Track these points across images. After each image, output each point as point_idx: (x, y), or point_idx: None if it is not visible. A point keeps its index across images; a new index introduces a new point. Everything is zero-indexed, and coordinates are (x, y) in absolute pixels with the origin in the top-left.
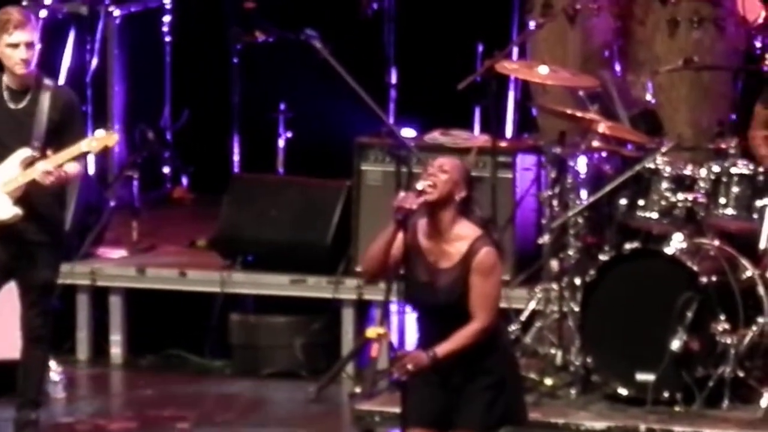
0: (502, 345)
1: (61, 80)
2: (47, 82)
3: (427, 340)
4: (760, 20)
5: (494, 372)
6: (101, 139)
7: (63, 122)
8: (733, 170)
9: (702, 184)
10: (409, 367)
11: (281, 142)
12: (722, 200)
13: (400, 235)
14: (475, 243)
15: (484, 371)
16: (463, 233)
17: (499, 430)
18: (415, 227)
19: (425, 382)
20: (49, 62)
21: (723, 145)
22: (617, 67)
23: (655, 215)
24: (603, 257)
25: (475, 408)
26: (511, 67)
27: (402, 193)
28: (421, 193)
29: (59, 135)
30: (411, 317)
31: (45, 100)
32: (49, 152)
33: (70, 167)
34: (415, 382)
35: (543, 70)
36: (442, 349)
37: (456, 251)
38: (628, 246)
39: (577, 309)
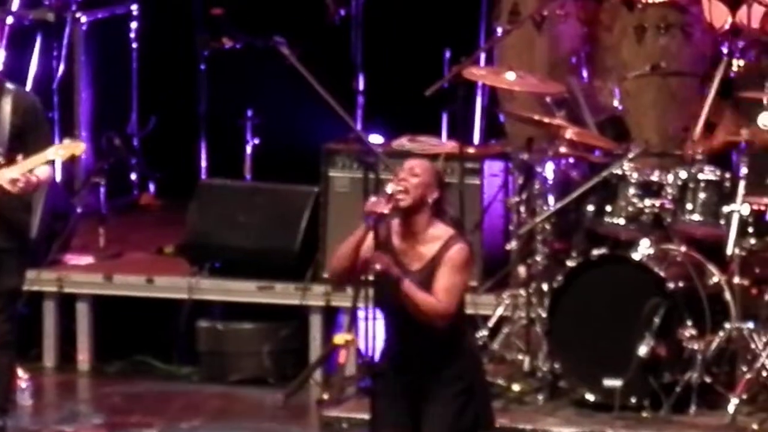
0: (470, 351)
1: (28, 87)
2: (9, 86)
3: (394, 342)
4: (727, 26)
5: (463, 378)
6: (68, 147)
7: (26, 127)
8: (700, 176)
9: (669, 190)
10: (378, 265)
11: (249, 149)
12: (689, 206)
13: (370, 238)
14: (448, 241)
15: (452, 377)
16: (438, 234)
17: None
18: (389, 228)
19: (394, 390)
20: (15, 69)
21: (690, 151)
22: (584, 74)
23: (622, 221)
24: (570, 263)
25: (445, 415)
26: (479, 73)
27: (373, 198)
28: (391, 197)
29: (23, 140)
30: (379, 323)
31: (6, 105)
32: (19, 158)
33: (40, 171)
34: (384, 389)
35: (510, 76)
36: (409, 285)
37: (429, 252)
38: (595, 252)
39: (544, 315)
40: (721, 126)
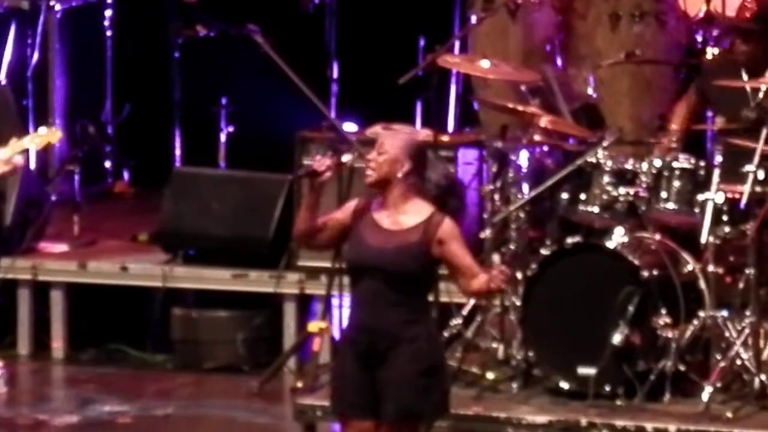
0: (433, 331)
1: (2, 75)
2: None
3: (361, 315)
4: (701, 14)
5: (427, 358)
6: (44, 136)
7: None
8: (675, 164)
9: (643, 178)
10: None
11: (223, 137)
12: (664, 194)
13: (349, 208)
14: (433, 216)
15: (415, 357)
16: (417, 208)
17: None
18: (369, 202)
19: (354, 372)
20: None
21: (664, 140)
22: (559, 61)
23: (596, 209)
24: (544, 251)
25: (409, 394)
26: (453, 60)
27: (322, 158)
28: (339, 165)
29: None
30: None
31: None
32: None
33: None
34: (344, 368)
35: (485, 64)
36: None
37: (411, 221)
38: (569, 240)
39: (518, 303)
40: (676, 112)
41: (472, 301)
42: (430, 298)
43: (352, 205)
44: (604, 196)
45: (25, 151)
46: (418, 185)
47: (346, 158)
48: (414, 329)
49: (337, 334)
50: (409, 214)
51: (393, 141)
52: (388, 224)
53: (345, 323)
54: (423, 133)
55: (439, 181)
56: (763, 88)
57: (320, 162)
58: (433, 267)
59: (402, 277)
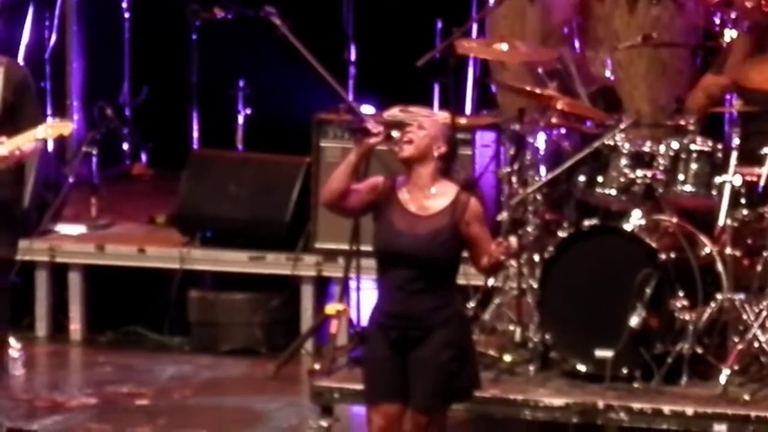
0: (459, 316)
1: (20, 57)
2: (0, 58)
3: (391, 301)
4: None
5: (453, 345)
6: (56, 127)
7: (17, 101)
8: (692, 147)
9: (661, 160)
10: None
11: (240, 119)
12: (681, 177)
13: (377, 182)
14: (459, 196)
15: (443, 343)
16: (444, 190)
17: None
18: (394, 180)
19: (386, 357)
20: (7, 39)
21: (682, 122)
22: (576, 44)
23: (613, 192)
24: (562, 234)
25: (437, 382)
26: (470, 45)
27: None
28: (390, 136)
29: (13, 114)
30: (370, 293)
31: None
32: (2, 139)
33: (25, 145)
34: (373, 354)
35: (502, 47)
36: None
37: (438, 204)
38: (586, 223)
39: (535, 286)
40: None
41: (489, 284)
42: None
43: (377, 182)
44: (622, 179)
45: (39, 141)
46: (447, 170)
47: (395, 133)
48: (445, 313)
49: (354, 317)
50: (436, 197)
51: (433, 122)
52: (416, 208)
53: (373, 308)
54: (441, 116)
55: (462, 176)
56: None
57: (373, 124)
58: (462, 249)
59: (434, 264)
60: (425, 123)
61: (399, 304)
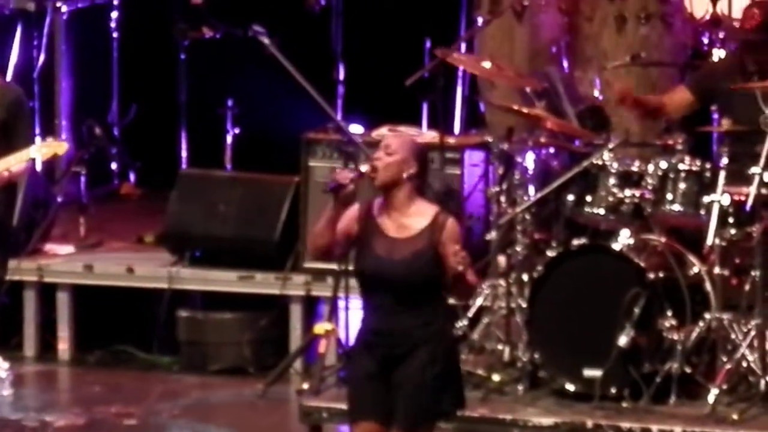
0: (447, 334)
1: (9, 76)
2: None
3: (375, 321)
4: (707, 16)
5: (438, 362)
6: (51, 146)
7: (10, 120)
8: (681, 166)
9: (649, 179)
10: (461, 267)
11: (229, 138)
12: (669, 196)
13: (352, 216)
14: (437, 217)
15: (428, 361)
16: (421, 210)
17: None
18: (371, 205)
19: (370, 375)
20: None
21: (670, 141)
22: (565, 63)
23: (602, 211)
24: (550, 253)
25: (421, 400)
26: (459, 58)
27: (344, 170)
28: (362, 175)
29: (7, 133)
30: (357, 313)
31: None
32: None
33: (17, 165)
34: (358, 373)
35: (487, 65)
36: (472, 276)
37: (416, 226)
38: (575, 242)
39: (524, 305)
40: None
41: (478, 303)
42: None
43: (354, 212)
44: (610, 198)
45: (31, 161)
46: (422, 187)
47: (364, 168)
48: (428, 331)
49: (343, 336)
50: (414, 217)
51: (401, 141)
52: (394, 231)
53: (358, 328)
54: (429, 135)
55: (439, 186)
56: None
57: (343, 175)
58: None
59: (414, 286)
60: (392, 146)
61: (382, 322)
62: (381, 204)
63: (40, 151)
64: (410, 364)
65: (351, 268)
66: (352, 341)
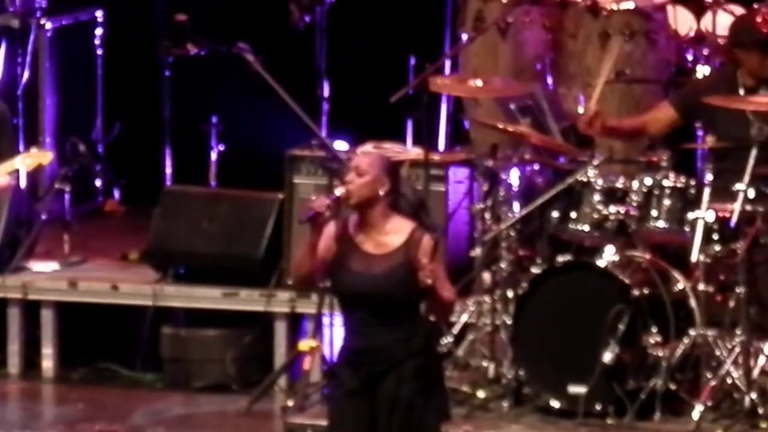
0: (430, 349)
1: None
2: None
3: (355, 339)
4: (691, 33)
5: (422, 377)
6: (35, 156)
7: None
8: (665, 183)
9: (634, 196)
10: (429, 280)
11: (213, 155)
12: (654, 213)
13: (329, 235)
14: (413, 233)
15: (412, 376)
16: (397, 227)
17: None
18: (346, 223)
19: (350, 390)
20: None
21: (655, 158)
22: (549, 80)
23: (587, 228)
24: (535, 270)
25: (404, 413)
26: (443, 82)
27: (319, 197)
28: (337, 200)
29: None
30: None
31: None
32: None
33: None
34: (340, 390)
35: (476, 83)
36: (448, 295)
37: (392, 242)
38: (560, 259)
39: (509, 322)
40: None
41: (463, 320)
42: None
43: (330, 231)
44: (595, 215)
45: (16, 172)
46: (396, 202)
47: (339, 192)
48: (409, 346)
49: (327, 353)
50: (390, 234)
51: (370, 160)
52: (371, 247)
53: (340, 345)
54: (414, 152)
55: (411, 197)
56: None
57: (319, 203)
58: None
59: (392, 302)
60: (361, 166)
61: (362, 340)
62: (356, 221)
63: (24, 162)
64: (392, 381)
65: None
66: (335, 358)
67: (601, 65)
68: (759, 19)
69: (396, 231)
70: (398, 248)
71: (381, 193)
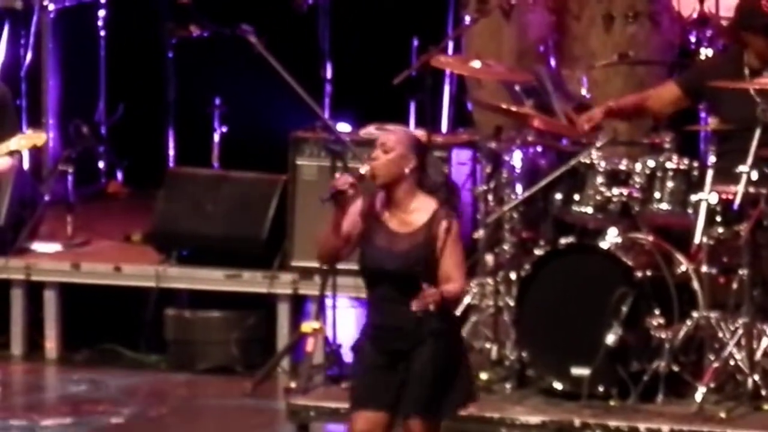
0: (452, 328)
1: None
2: None
3: (379, 315)
4: (695, 15)
5: (448, 354)
6: (30, 138)
7: None
8: (668, 165)
9: (637, 178)
10: (431, 300)
11: (216, 137)
12: (657, 195)
13: (356, 212)
14: (437, 213)
15: (437, 355)
16: (422, 206)
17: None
18: (373, 199)
19: (374, 365)
20: None
21: (658, 140)
22: (552, 62)
23: (590, 210)
24: (538, 252)
25: (428, 392)
26: (446, 60)
27: (343, 175)
28: (361, 177)
29: None
30: (345, 311)
31: None
32: None
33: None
34: (363, 364)
35: (477, 64)
36: (448, 292)
37: (416, 220)
38: (563, 241)
39: (512, 304)
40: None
41: (466, 301)
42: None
43: (357, 208)
44: (598, 197)
45: (12, 153)
46: (422, 180)
47: (364, 170)
48: (432, 325)
49: (330, 335)
50: (415, 213)
51: (397, 137)
52: (396, 225)
53: (364, 323)
54: (417, 134)
55: (438, 178)
56: None
57: (341, 181)
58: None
59: (415, 280)
60: (388, 143)
61: (386, 317)
62: (383, 199)
63: (19, 143)
64: (415, 359)
65: (339, 267)
66: (340, 340)
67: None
68: (765, 2)
69: (420, 209)
70: (421, 227)
71: (407, 170)
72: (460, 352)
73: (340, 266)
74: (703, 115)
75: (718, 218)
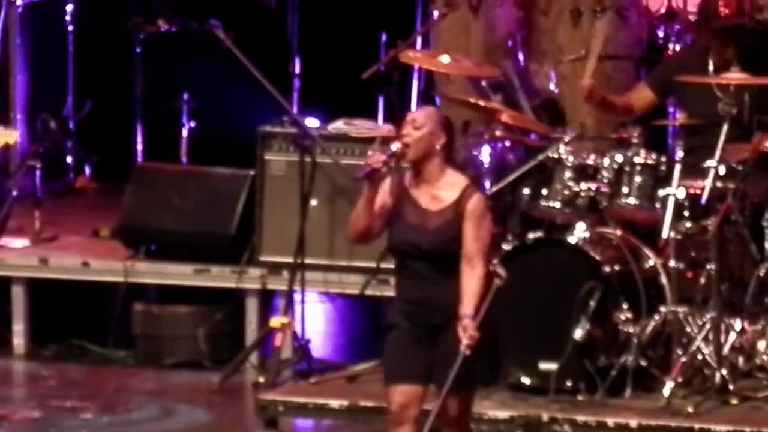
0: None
1: None
2: None
3: (412, 292)
4: (663, 10)
5: (481, 327)
6: (2, 135)
7: None
8: (636, 159)
9: (605, 173)
10: (469, 337)
11: (185, 132)
12: (625, 189)
13: (386, 190)
14: (466, 189)
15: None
16: (452, 181)
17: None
18: (402, 178)
19: (407, 341)
20: None
21: (626, 135)
22: (520, 57)
23: (558, 204)
24: (506, 247)
25: (461, 365)
26: (414, 56)
27: (371, 152)
28: (393, 155)
29: None
30: (313, 306)
31: None
32: None
33: None
34: (397, 341)
35: (445, 59)
36: (468, 308)
37: (446, 196)
38: (531, 235)
39: None
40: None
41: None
42: None
43: (387, 186)
44: (566, 192)
45: None
46: (451, 156)
47: (395, 146)
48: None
49: (299, 329)
50: (445, 189)
51: (425, 114)
52: (426, 202)
53: (396, 301)
54: (385, 129)
55: (464, 155)
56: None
57: (375, 158)
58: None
59: (444, 257)
60: (418, 120)
61: (418, 292)
62: (412, 176)
63: None
64: (448, 335)
65: (307, 261)
66: (308, 335)
67: (592, 42)
68: (721, 4)
69: (450, 185)
70: (451, 204)
71: (437, 146)
72: (488, 327)
73: (308, 260)
74: (671, 110)
75: (686, 213)
